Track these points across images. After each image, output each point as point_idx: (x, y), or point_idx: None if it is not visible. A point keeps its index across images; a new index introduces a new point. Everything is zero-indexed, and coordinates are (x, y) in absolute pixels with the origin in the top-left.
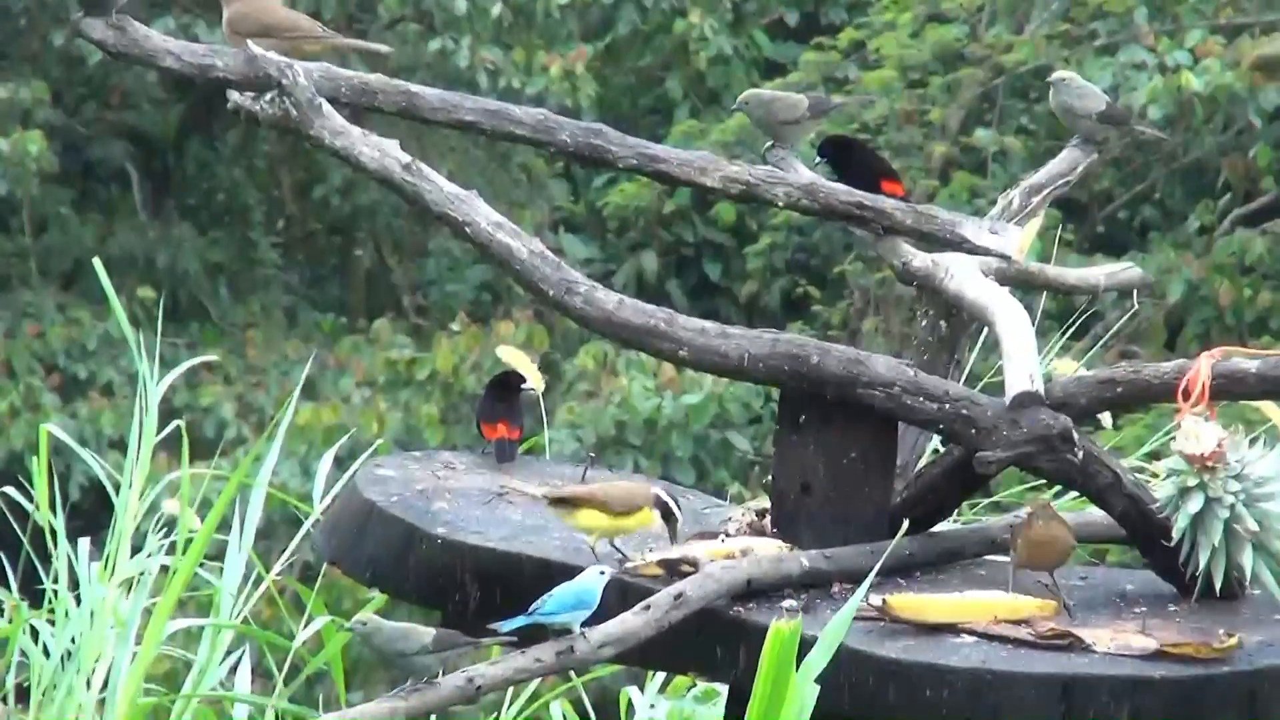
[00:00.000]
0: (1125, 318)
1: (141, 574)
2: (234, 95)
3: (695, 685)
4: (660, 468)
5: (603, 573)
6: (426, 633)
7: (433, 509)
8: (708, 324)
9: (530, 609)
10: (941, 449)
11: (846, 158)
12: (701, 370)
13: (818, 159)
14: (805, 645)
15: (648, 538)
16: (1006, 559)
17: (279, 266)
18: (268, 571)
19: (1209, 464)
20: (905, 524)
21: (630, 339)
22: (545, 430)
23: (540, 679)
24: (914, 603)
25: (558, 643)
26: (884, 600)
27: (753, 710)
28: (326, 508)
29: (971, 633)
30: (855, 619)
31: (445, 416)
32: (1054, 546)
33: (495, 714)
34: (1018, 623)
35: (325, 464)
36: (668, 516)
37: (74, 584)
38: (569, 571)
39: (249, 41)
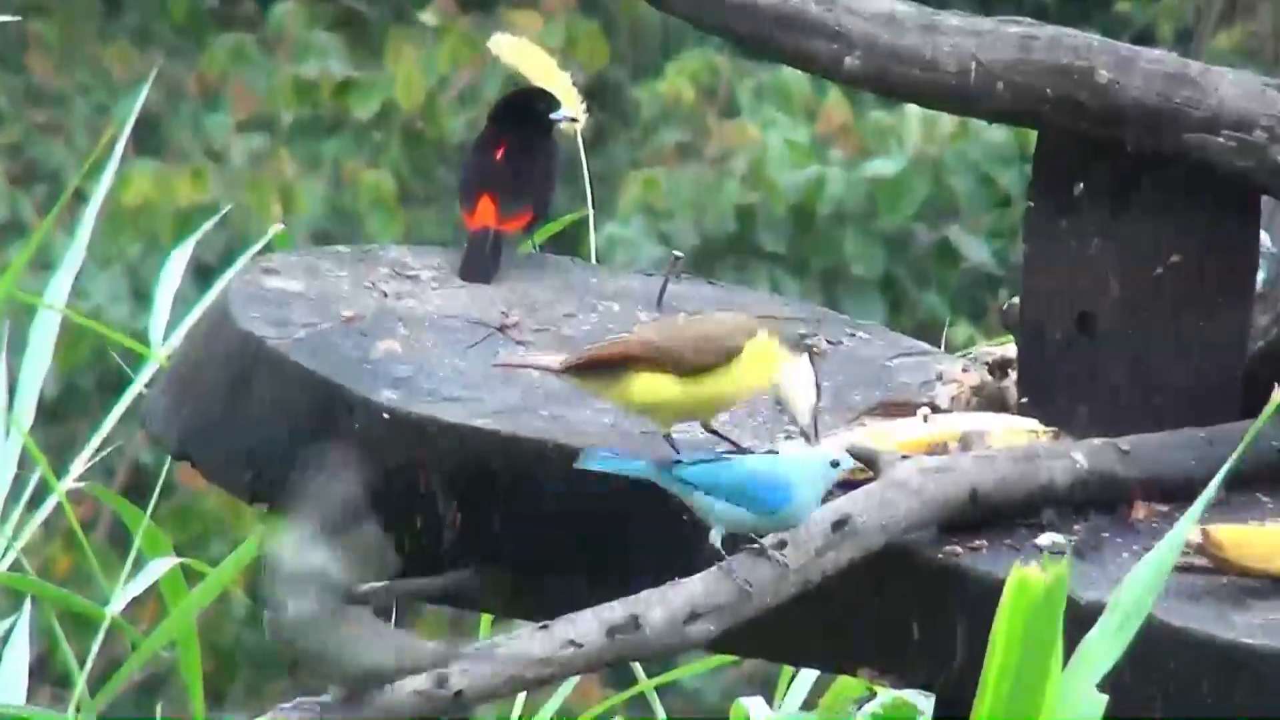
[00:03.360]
0: None
1: None
2: None
3: (873, 695)
4: (820, 291)
5: (835, 464)
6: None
7: (375, 355)
8: (902, 6)
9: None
10: None
11: None
12: (890, 96)
13: None
14: (1085, 613)
15: (767, 420)
16: None
17: None
18: (61, 476)
19: None
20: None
21: (754, 35)
22: (591, 212)
23: (570, 676)
24: (1261, 537)
25: (606, 608)
26: (1204, 531)
27: None
28: (174, 354)
29: None
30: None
31: (408, 188)
32: None
33: None
34: None
35: (174, 273)
36: (808, 351)
37: None
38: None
39: None
